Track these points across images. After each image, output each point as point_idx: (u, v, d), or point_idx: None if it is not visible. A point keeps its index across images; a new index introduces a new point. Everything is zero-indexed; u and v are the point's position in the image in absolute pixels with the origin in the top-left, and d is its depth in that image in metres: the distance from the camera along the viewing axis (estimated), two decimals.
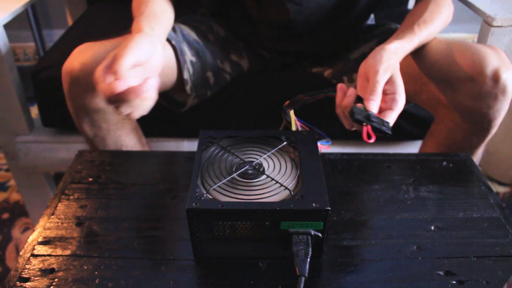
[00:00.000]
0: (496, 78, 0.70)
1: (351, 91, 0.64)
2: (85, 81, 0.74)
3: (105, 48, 0.75)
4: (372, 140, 0.61)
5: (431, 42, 0.78)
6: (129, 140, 0.86)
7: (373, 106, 0.61)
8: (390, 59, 0.65)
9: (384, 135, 0.62)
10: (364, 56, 0.71)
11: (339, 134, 0.95)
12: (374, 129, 0.61)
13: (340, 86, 0.66)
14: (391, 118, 0.63)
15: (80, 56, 0.75)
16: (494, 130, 0.79)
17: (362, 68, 0.67)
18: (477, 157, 0.84)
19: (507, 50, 0.93)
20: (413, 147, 1.06)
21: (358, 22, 0.96)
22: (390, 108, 0.63)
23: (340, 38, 0.96)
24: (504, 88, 0.71)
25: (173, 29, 0.86)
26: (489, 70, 0.70)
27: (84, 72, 0.74)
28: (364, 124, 0.61)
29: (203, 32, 0.93)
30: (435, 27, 0.76)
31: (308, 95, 0.69)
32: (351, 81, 0.92)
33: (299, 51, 0.98)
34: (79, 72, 0.74)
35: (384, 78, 0.63)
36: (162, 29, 0.74)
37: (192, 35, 0.90)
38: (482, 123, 0.76)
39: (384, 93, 0.64)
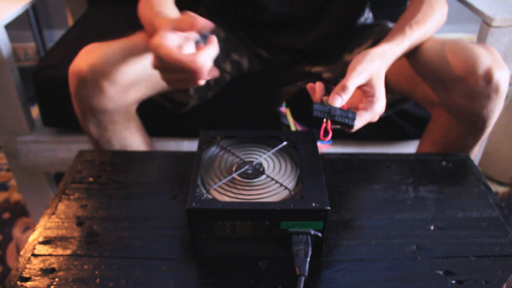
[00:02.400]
0: (488, 78, 0.70)
1: (318, 85, 0.63)
2: (93, 82, 0.74)
3: (112, 48, 0.74)
4: (328, 137, 0.59)
5: (425, 42, 0.77)
6: (134, 141, 0.86)
7: (337, 101, 0.59)
8: (372, 61, 0.63)
9: (347, 128, 0.60)
10: None
11: (339, 134, 0.95)
12: (336, 123, 0.59)
13: (309, 85, 0.65)
14: (363, 117, 0.61)
15: (87, 57, 0.74)
16: (489, 130, 0.78)
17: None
18: (473, 155, 0.84)
19: (506, 51, 0.93)
20: (413, 147, 1.06)
21: (352, 14, 0.95)
22: (365, 109, 0.62)
23: (336, 32, 0.95)
24: (497, 87, 0.71)
25: None
26: (482, 70, 0.69)
27: (92, 73, 0.73)
28: (324, 120, 0.58)
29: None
30: (427, 28, 0.74)
31: (285, 88, 0.68)
32: None
33: (297, 49, 0.98)
34: (87, 73, 0.73)
35: (360, 76, 0.61)
36: None
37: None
38: (476, 123, 0.76)
39: (365, 94, 0.63)
